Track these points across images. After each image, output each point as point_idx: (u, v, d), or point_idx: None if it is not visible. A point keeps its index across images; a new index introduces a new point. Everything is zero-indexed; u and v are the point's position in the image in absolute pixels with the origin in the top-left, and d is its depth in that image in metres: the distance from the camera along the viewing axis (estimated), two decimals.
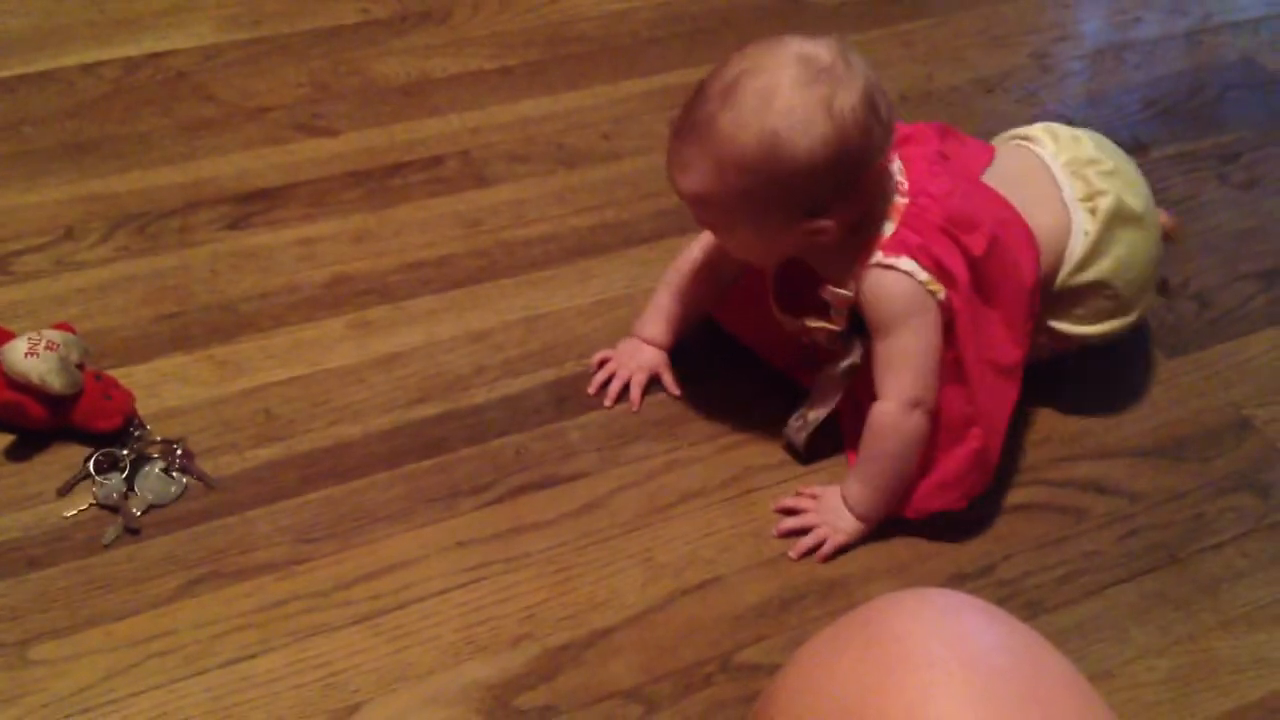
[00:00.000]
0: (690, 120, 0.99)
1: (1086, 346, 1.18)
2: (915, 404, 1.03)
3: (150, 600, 0.99)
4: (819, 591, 1.04)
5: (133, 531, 1.04)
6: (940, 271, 1.01)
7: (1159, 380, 1.25)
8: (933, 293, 1.01)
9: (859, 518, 1.07)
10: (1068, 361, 1.21)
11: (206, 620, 0.98)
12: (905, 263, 1.01)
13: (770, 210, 0.99)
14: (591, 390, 1.18)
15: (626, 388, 1.18)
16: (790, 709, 0.56)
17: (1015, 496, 1.12)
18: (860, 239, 1.02)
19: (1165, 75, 1.71)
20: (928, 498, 1.07)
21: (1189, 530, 1.11)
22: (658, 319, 1.19)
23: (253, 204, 1.36)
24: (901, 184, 1.03)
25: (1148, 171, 1.51)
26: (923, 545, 1.08)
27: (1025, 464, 1.15)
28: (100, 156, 1.41)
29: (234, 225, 1.34)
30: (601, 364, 1.20)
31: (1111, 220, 1.12)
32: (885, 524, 1.08)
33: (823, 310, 1.08)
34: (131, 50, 1.58)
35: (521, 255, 1.33)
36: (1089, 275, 1.12)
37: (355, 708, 0.93)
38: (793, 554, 1.06)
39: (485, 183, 1.42)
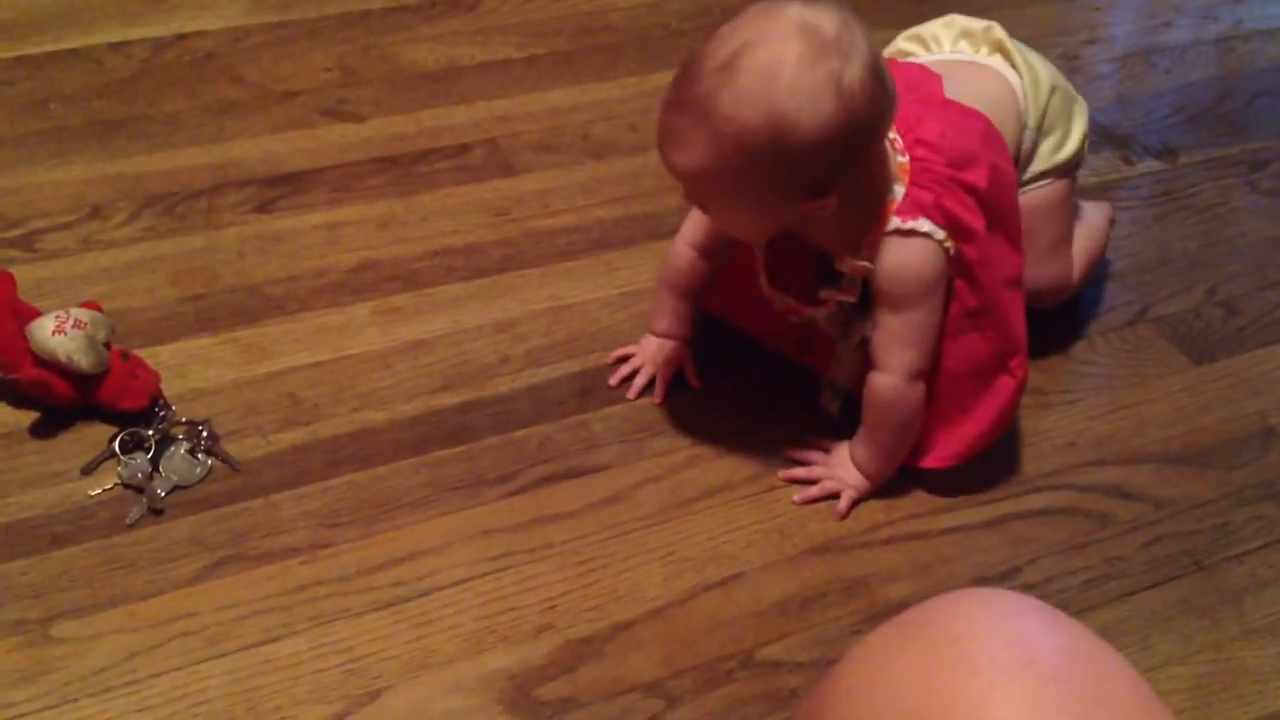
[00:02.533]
0: (687, 95, 0.92)
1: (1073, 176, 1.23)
2: (917, 376, 1.05)
3: (173, 581, 0.99)
4: (841, 590, 1.03)
5: (156, 512, 1.04)
6: (955, 225, 1.00)
7: (1185, 387, 1.24)
8: (946, 249, 1.00)
9: (867, 476, 1.09)
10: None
11: (229, 602, 0.98)
12: (924, 224, 0.99)
13: (770, 189, 0.94)
14: (613, 382, 1.18)
15: (651, 382, 1.18)
16: (848, 708, 0.55)
17: (1039, 500, 1.12)
18: (868, 205, 0.99)
19: (1195, 81, 1.70)
20: (985, 437, 1.09)
21: (1213, 539, 1.10)
22: (666, 314, 1.18)
23: (279, 187, 1.36)
24: (895, 139, 1.01)
25: (1176, 178, 1.52)
26: (946, 547, 1.08)
27: (1050, 468, 1.15)
28: (128, 136, 1.42)
29: (261, 208, 1.34)
30: (621, 360, 1.20)
31: (1012, 42, 1.16)
32: (908, 525, 1.09)
33: (813, 288, 1.07)
34: (160, 30, 1.58)
35: (547, 245, 1.33)
36: (1042, 93, 1.15)
37: (376, 694, 0.93)
38: (796, 499, 1.10)
39: (512, 172, 1.42)
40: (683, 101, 0.93)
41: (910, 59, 1.18)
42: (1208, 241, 1.43)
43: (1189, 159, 1.55)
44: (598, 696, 0.95)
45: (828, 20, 0.90)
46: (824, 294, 1.07)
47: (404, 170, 1.41)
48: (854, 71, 0.90)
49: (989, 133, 1.06)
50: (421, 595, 1.00)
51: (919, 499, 1.10)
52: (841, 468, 1.10)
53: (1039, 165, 1.17)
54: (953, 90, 1.08)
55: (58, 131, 1.41)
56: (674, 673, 0.97)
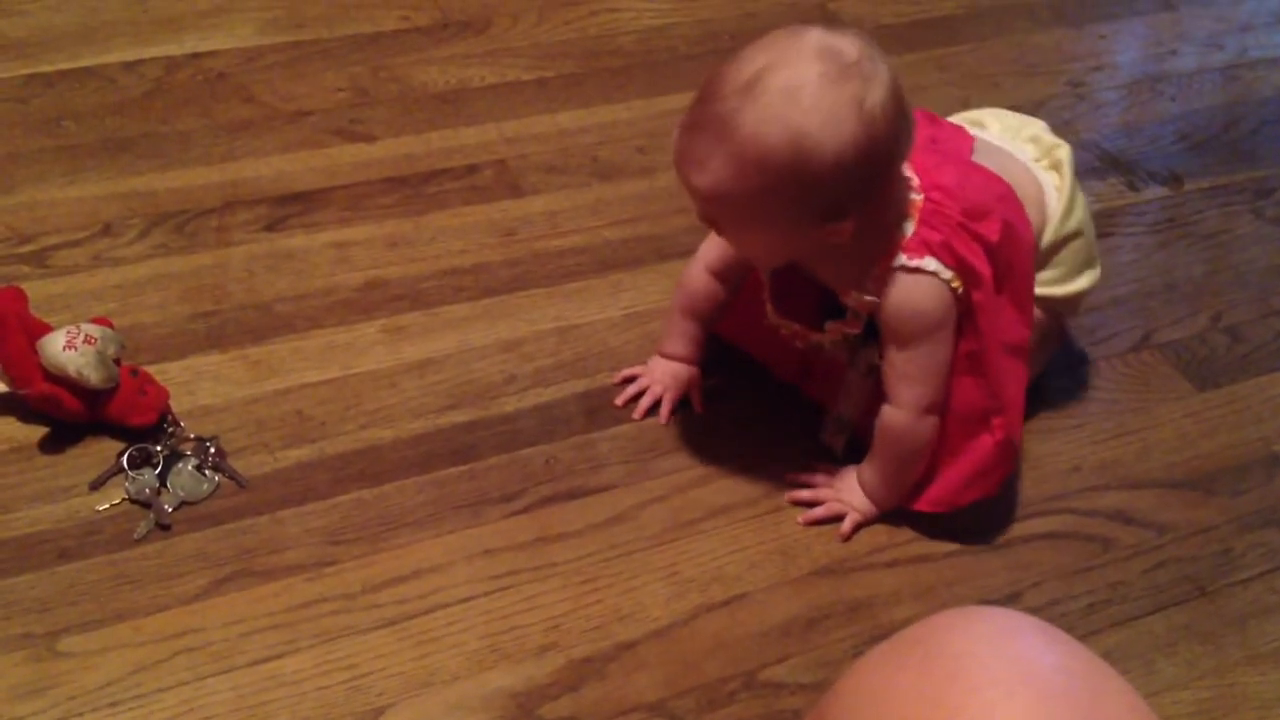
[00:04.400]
0: (707, 114, 0.92)
1: (1062, 315, 1.22)
2: (929, 411, 1.04)
3: (179, 597, 0.99)
4: (844, 612, 1.04)
5: (164, 527, 1.04)
6: (963, 268, 1.00)
7: (1189, 413, 1.24)
8: (955, 289, 1.00)
9: (874, 503, 1.10)
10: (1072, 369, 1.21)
11: (235, 618, 0.98)
12: (930, 263, 0.99)
13: (788, 211, 0.94)
14: (620, 402, 1.19)
15: (657, 403, 1.18)
16: None
17: (1043, 524, 1.12)
18: (878, 240, 1.00)
19: (1201, 109, 1.71)
20: (961, 492, 1.08)
21: (1216, 564, 1.10)
22: (677, 336, 1.19)
23: (290, 206, 1.37)
24: (911, 179, 1.01)
25: (1181, 205, 1.53)
26: (948, 570, 1.08)
27: (1053, 492, 1.15)
28: (140, 154, 1.43)
29: (271, 227, 1.34)
30: (627, 380, 1.21)
31: (1073, 171, 1.15)
32: (911, 548, 1.09)
33: (819, 316, 1.07)
34: (173, 50, 1.59)
35: (555, 266, 1.34)
36: (1069, 227, 1.14)
37: (380, 711, 0.94)
38: (801, 520, 1.10)
39: (520, 192, 1.43)
40: (703, 121, 0.93)
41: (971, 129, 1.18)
42: (1212, 268, 1.43)
43: (1194, 186, 1.56)
44: (600, 716, 0.95)
45: (849, 45, 0.92)
46: (829, 326, 1.07)
47: (413, 190, 1.42)
48: (876, 94, 0.91)
49: (1009, 196, 1.06)
50: (425, 613, 1.00)
51: (923, 522, 1.11)
52: (847, 491, 1.11)
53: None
54: (989, 164, 1.08)
55: (71, 149, 1.42)
56: (677, 693, 0.97)
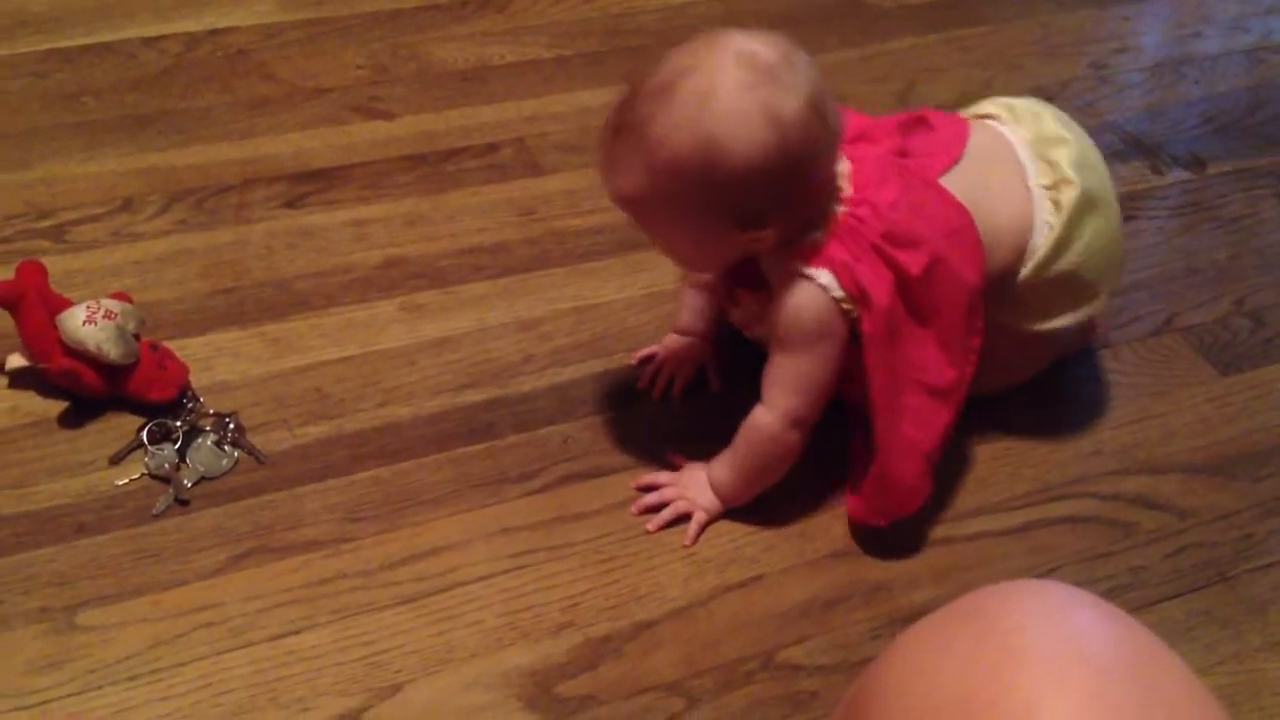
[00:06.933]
0: (624, 119, 0.93)
1: (1057, 339, 1.15)
2: (797, 423, 1.02)
3: (198, 571, 1.00)
4: (862, 594, 1.03)
5: (183, 502, 1.04)
6: (859, 293, 0.96)
7: (1211, 398, 1.24)
8: (846, 311, 0.97)
9: (721, 499, 1.07)
10: (1095, 366, 1.20)
11: (253, 594, 0.99)
12: (824, 276, 0.96)
13: (703, 218, 0.94)
14: (643, 384, 1.18)
15: (673, 381, 1.18)
16: (895, 699, 0.54)
17: (1063, 508, 1.12)
18: (793, 245, 0.97)
19: (1225, 92, 1.70)
20: (855, 510, 1.07)
21: (1238, 550, 1.10)
22: (689, 313, 1.18)
23: (309, 183, 1.37)
24: (844, 190, 0.98)
25: (1204, 188, 1.51)
26: (968, 553, 1.07)
27: (1074, 476, 1.14)
28: (160, 130, 1.43)
29: (290, 204, 1.34)
30: (645, 360, 1.20)
31: (1077, 213, 1.06)
32: (930, 531, 1.08)
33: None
34: (193, 26, 1.59)
35: (573, 245, 1.33)
36: (1057, 268, 1.07)
37: (398, 688, 0.94)
38: (650, 527, 1.06)
39: (539, 171, 1.43)
40: (620, 125, 0.93)
41: (994, 121, 1.12)
42: (1235, 252, 1.42)
43: (1217, 169, 1.54)
44: (618, 695, 0.95)
45: (769, 51, 0.90)
46: (733, 310, 1.06)
47: (432, 168, 1.42)
48: (790, 102, 0.89)
49: (961, 232, 1.00)
50: (443, 591, 1.00)
51: (943, 505, 1.10)
52: (693, 489, 1.08)
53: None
54: (976, 179, 1.03)
55: (90, 124, 1.43)
56: (694, 673, 0.97)
